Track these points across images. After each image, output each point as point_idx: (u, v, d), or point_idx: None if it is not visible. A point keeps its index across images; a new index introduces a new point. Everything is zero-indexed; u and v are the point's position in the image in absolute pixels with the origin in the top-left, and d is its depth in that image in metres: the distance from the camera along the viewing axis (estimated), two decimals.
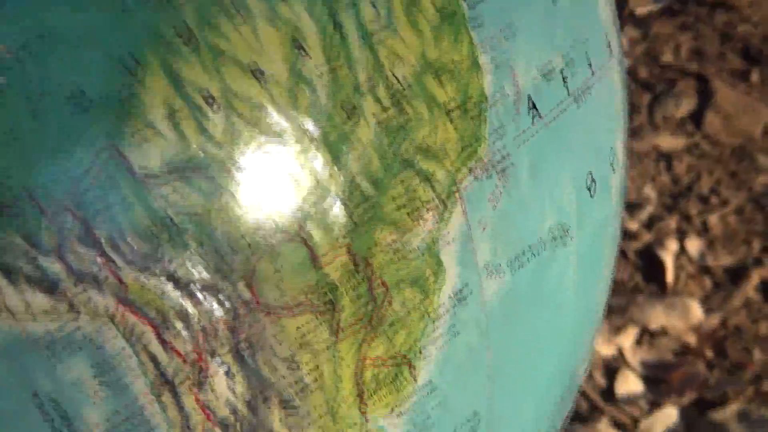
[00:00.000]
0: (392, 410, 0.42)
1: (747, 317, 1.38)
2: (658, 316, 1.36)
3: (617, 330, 1.35)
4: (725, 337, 1.36)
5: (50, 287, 0.36)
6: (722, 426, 1.30)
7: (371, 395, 0.41)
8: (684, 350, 1.35)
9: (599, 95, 0.50)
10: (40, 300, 0.36)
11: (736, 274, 1.42)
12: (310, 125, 0.38)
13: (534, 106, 0.45)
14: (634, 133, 1.54)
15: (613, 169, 0.52)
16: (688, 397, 1.32)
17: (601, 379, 1.31)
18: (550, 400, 0.53)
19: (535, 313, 0.47)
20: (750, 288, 1.40)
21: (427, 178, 0.41)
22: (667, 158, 1.52)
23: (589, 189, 0.50)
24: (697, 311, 1.37)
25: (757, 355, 1.36)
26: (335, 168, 0.38)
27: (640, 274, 1.39)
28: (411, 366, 0.42)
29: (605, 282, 0.56)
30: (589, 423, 1.28)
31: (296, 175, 0.37)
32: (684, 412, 1.30)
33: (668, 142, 1.53)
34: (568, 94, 0.47)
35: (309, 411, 0.40)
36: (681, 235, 1.42)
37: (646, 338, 1.35)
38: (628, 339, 1.34)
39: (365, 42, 0.39)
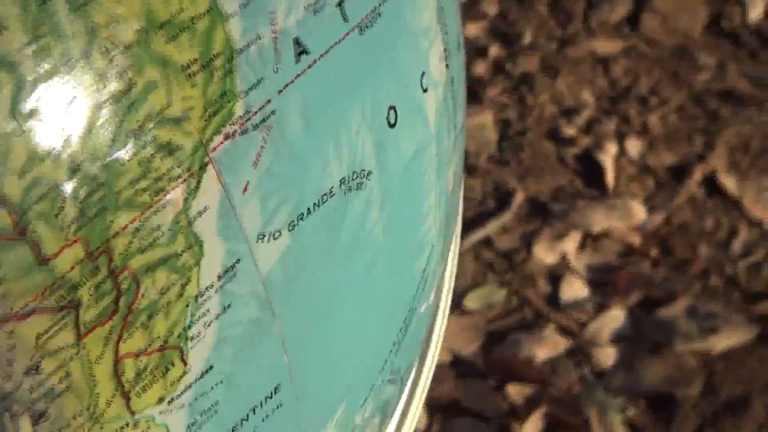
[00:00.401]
0: (163, 400, 0.40)
1: (692, 213, 1.36)
2: (600, 220, 1.35)
3: (559, 236, 1.33)
4: (670, 235, 1.35)
5: None
6: (671, 323, 1.29)
7: (135, 390, 0.39)
8: (628, 251, 1.34)
9: (395, 17, 0.46)
10: None
11: (679, 172, 1.40)
12: None
13: (300, 46, 0.42)
14: (569, 40, 1.51)
15: (425, 90, 0.48)
16: (635, 298, 1.31)
17: (545, 287, 1.30)
18: (380, 347, 0.50)
19: (332, 270, 0.45)
20: (693, 184, 1.38)
21: (169, 151, 0.38)
22: (604, 62, 1.49)
23: (390, 123, 0.46)
24: (639, 211, 1.35)
25: (703, 250, 1.35)
26: (54, 156, 0.36)
27: (581, 180, 1.37)
28: (181, 352, 0.40)
29: (442, 209, 0.52)
30: (535, 331, 1.28)
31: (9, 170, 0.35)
32: (631, 313, 1.29)
33: (605, 46, 1.50)
34: (350, 24, 0.44)
35: (63, 417, 0.38)
36: (620, 138, 1.40)
37: (590, 242, 1.34)
38: (571, 244, 1.33)
39: (76, 10, 0.36)
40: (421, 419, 1.19)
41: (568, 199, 1.36)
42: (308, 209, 0.42)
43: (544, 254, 1.32)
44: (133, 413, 0.40)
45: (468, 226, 1.32)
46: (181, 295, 0.40)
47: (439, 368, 1.24)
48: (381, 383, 0.51)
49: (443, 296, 0.65)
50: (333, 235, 0.44)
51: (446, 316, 0.65)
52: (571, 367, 1.26)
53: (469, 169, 1.34)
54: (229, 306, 0.41)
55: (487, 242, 1.32)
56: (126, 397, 0.39)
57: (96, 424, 0.39)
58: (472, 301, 1.28)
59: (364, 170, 0.45)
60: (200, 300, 0.40)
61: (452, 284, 0.65)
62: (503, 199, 1.36)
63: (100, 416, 0.39)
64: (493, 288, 1.29)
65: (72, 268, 0.37)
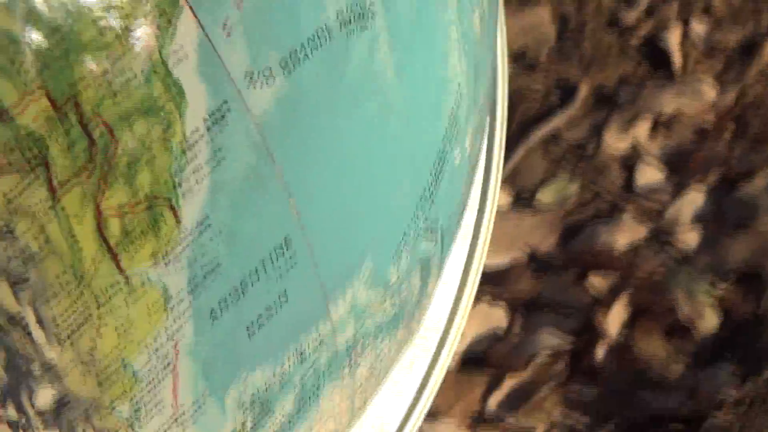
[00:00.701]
0: (156, 256, 0.37)
1: (764, 89, 1.31)
2: (670, 102, 1.30)
3: (629, 123, 1.29)
4: (743, 112, 1.29)
5: None
6: (752, 199, 1.24)
7: (124, 247, 0.36)
8: (702, 132, 1.29)
9: None
10: None
11: (748, 49, 1.34)
12: None
13: None
14: None
15: None
16: (713, 178, 1.26)
17: (619, 175, 1.26)
18: (406, 193, 0.46)
19: (338, 114, 0.41)
20: (764, 59, 1.32)
21: None
22: None
23: None
24: (710, 91, 1.30)
25: None
26: (4, 4, 0.33)
27: (646, 66, 1.32)
28: (170, 205, 0.37)
29: (469, 54, 0.48)
30: (612, 220, 1.23)
31: None
32: (710, 194, 1.25)
33: None
34: None
35: (46, 281, 0.35)
36: (684, 20, 1.34)
37: (661, 126, 1.29)
38: (642, 130, 1.28)
39: None
40: (501, 317, 1.17)
41: (634, 86, 1.31)
42: (303, 47, 0.39)
43: (615, 142, 1.28)
44: (123, 272, 0.37)
45: (533, 122, 1.27)
46: (164, 143, 0.37)
47: (517, 266, 1.21)
48: (415, 235, 0.47)
49: (494, 160, 0.61)
50: (335, 78, 0.40)
51: (499, 175, 0.61)
52: (653, 252, 1.22)
53: (530, 67, 1.30)
54: (219, 151, 0.38)
55: (556, 136, 1.28)
56: (114, 256, 0.36)
57: (84, 285, 0.36)
58: (545, 196, 1.24)
59: (365, 10, 0.42)
60: (187, 147, 0.37)
61: (502, 147, 0.61)
62: (568, 92, 1.31)
63: (87, 278, 0.36)
64: (565, 181, 1.25)
65: (35, 120, 0.34)
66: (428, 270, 0.51)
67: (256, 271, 0.41)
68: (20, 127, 0.34)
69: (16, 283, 0.36)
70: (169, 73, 0.36)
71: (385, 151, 0.44)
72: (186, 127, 0.37)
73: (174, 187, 0.37)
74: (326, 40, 0.40)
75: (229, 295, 0.41)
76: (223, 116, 0.38)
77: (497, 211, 0.65)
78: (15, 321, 0.36)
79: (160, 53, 0.36)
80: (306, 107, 0.40)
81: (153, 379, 0.40)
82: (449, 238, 0.53)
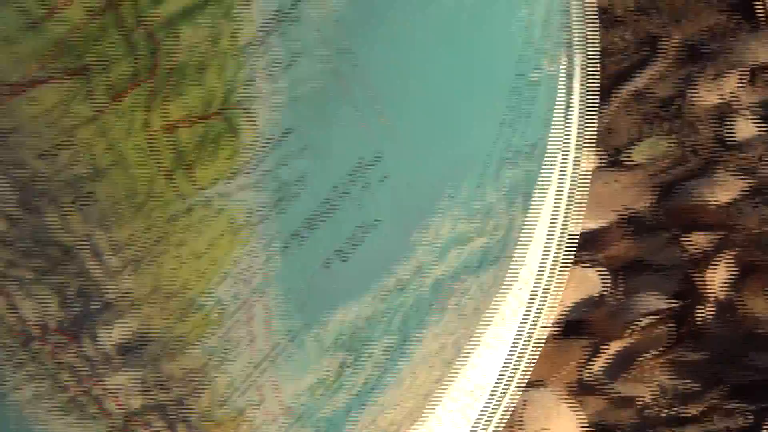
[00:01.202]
0: (234, 171, 0.33)
1: None
2: (761, 53, 1.23)
3: (720, 76, 1.22)
4: None
5: None
6: None
7: (196, 159, 0.32)
8: None
9: None
10: None
11: None
12: None
13: None
14: None
15: None
16: None
17: (712, 129, 1.20)
18: (491, 113, 0.41)
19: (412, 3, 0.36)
20: None
21: None
22: None
23: None
24: None
25: None
26: None
27: (732, 17, 1.25)
28: (246, 113, 0.32)
29: None
30: (708, 176, 1.17)
31: None
32: None
33: None
34: None
35: (113, 197, 0.31)
36: None
37: (754, 77, 1.22)
38: (733, 82, 1.22)
39: None
40: (599, 282, 1.11)
41: (722, 38, 1.24)
42: None
43: (707, 96, 1.21)
44: (199, 188, 0.32)
45: (620, 80, 1.22)
46: (228, 46, 0.32)
47: (612, 229, 1.15)
48: (500, 161, 0.42)
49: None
50: None
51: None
52: (753, 208, 1.15)
53: (612, 23, 1.24)
54: (290, 53, 0.33)
55: (644, 93, 1.22)
56: (188, 170, 0.31)
57: (155, 205, 0.31)
58: (637, 155, 1.18)
59: None
60: (254, 49, 0.32)
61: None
62: (653, 47, 1.25)
63: (159, 195, 0.31)
64: (657, 138, 1.19)
65: (80, 27, 0.29)
66: (527, 197, 0.46)
67: (345, 189, 0.36)
68: (57, 33, 0.30)
69: (83, 204, 0.32)
70: None
71: (460, 58, 0.39)
72: (251, 25, 0.33)
73: (248, 92, 0.33)
74: None
75: (318, 217, 0.36)
76: (290, 11, 0.33)
77: (589, 173, 0.60)
78: (83, 246, 0.32)
79: None
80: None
81: (239, 310, 0.36)
82: (536, 166, 0.48)
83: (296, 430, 0.39)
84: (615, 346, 1.06)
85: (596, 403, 1.01)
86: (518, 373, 0.59)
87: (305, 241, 0.36)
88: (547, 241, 0.56)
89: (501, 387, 0.57)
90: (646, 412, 1.03)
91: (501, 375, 0.57)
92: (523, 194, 0.45)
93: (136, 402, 0.35)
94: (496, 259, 0.45)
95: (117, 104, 0.31)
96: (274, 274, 0.36)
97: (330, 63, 0.34)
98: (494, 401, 0.56)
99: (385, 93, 0.36)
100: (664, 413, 1.02)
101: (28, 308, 0.32)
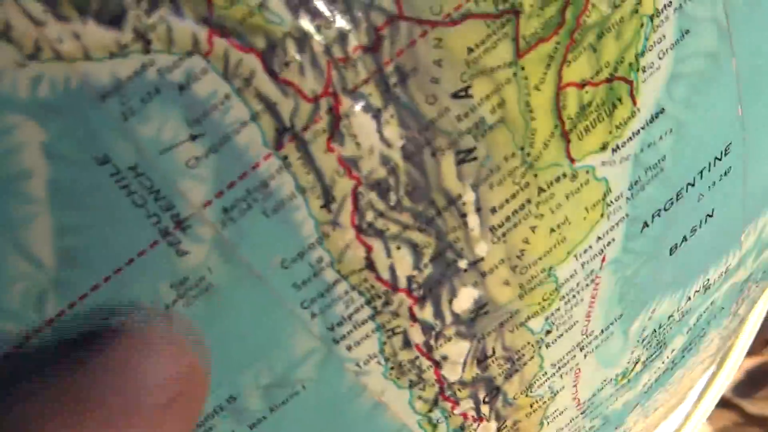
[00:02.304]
0: (606, 147, 0.29)
1: None
2: None
3: None
4: None
5: (110, 15, 0.24)
6: None
7: (577, 130, 0.29)
8: None
9: None
10: (93, 32, 0.24)
11: None
12: None
13: None
14: None
15: None
16: None
17: None
18: None
19: None
20: None
21: None
22: None
23: None
24: None
25: None
26: None
27: None
28: (630, 85, 0.29)
29: None
30: None
31: None
32: None
33: None
34: None
35: (493, 157, 0.27)
36: None
37: None
38: None
39: None
40: None
41: None
42: None
43: None
44: (572, 161, 0.29)
45: None
46: (635, 11, 0.29)
47: None
48: None
49: None
50: None
51: None
52: None
53: None
54: (687, 33, 0.30)
55: None
56: (566, 138, 0.28)
57: (530, 170, 0.28)
58: None
59: None
60: (657, 20, 0.29)
61: None
62: None
63: (535, 160, 0.28)
64: None
65: None
66: None
67: (694, 180, 0.33)
68: None
69: (463, 159, 0.28)
70: None
71: None
72: None
73: (637, 65, 0.29)
74: None
75: (665, 205, 0.32)
76: None
77: None
78: (453, 204, 0.29)
79: None
80: None
81: (573, 294, 0.32)
82: None
83: (578, 424, 0.36)
84: (749, 362, 1.02)
85: (724, 418, 0.97)
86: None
87: (647, 228, 0.32)
88: None
89: None
90: None
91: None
92: None
93: (454, 375, 0.31)
94: None
95: (537, 51, 0.27)
96: (611, 259, 0.32)
97: (711, 44, 0.30)
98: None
99: (750, 81, 0.32)
100: None
101: (383, 265, 0.29)
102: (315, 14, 0.25)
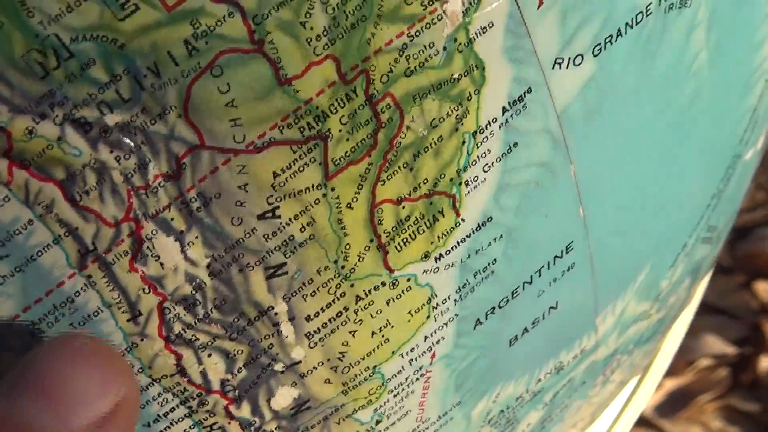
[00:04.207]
0: (428, 256, 0.29)
1: None
2: None
3: None
4: None
5: None
6: None
7: (395, 243, 0.28)
8: None
9: None
10: None
11: None
12: None
13: None
14: None
15: None
16: None
17: None
18: (697, 202, 0.37)
19: (643, 106, 0.32)
20: None
21: None
22: None
23: None
24: None
25: None
26: None
27: None
28: (452, 199, 0.28)
29: None
30: None
31: None
32: None
33: None
34: None
35: (305, 272, 0.27)
36: None
37: None
38: None
39: None
40: None
41: None
42: (618, 30, 0.30)
43: None
44: (391, 270, 0.28)
45: None
46: (456, 129, 0.28)
47: None
48: (694, 242, 0.37)
49: None
50: (647, 62, 0.32)
51: None
52: None
53: None
54: (515, 146, 0.29)
55: None
56: (383, 250, 0.28)
57: (345, 281, 0.28)
58: None
59: None
60: (480, 137, 0.28)
61: None
62: None
63: (350, 272, 0.28)
64: None
65: (320, 92, 0.27)
66: (698, 273, 0.41)
67: (531, 278, 0.32)
68: (301, 96, 0.26)
69: (272, 274, 0.28)
70: (471, 49, 0.28)
71: (683, 151, 0.34)
72: (482, 113, 0.28)
73: (459, 180, 0.29)
74: (643, 15, 0.31)
75: (498, 303, 0.32)
76: (524, 103, 0.29)
77: None
78: (265, 314, 0.28)
79: (465, 25, 0.27)
80: (610, 94, 0.31)
81: (402, 388, 0.32)
82: (722, 237, 0.43)
83: None
84: (670, 383, 1.01)
85: None
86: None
87: (481, 327, 0.32)
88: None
89: None
90: None
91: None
92: (692, 275, 0.41)
93: None
94: (652, 336, 0.41)
95: (348, 173, 0.27)
96: (442, 355, 0.32)
97: (544, 155, 0.30)
98: None
99: (590, 185, 0.31)
100: None
101: (195, 370, 0.28)
102: (114, 146, 0.25)
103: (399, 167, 0.28)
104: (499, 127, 0.29)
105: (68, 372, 0.24)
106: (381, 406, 0.32)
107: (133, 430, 0.26)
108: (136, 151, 0.25)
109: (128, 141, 0.25)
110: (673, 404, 0.99)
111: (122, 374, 0.25)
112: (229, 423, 0.30)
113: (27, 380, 0.24)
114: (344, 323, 0.29)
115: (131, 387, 0.25)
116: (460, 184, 0.29)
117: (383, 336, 0.30)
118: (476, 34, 0.27)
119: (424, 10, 0.27)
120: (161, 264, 0.26)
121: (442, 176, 0.29)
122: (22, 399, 0.24)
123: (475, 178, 0.29)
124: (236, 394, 0.29)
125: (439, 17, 0.27)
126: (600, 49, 0.30)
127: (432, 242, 0.29)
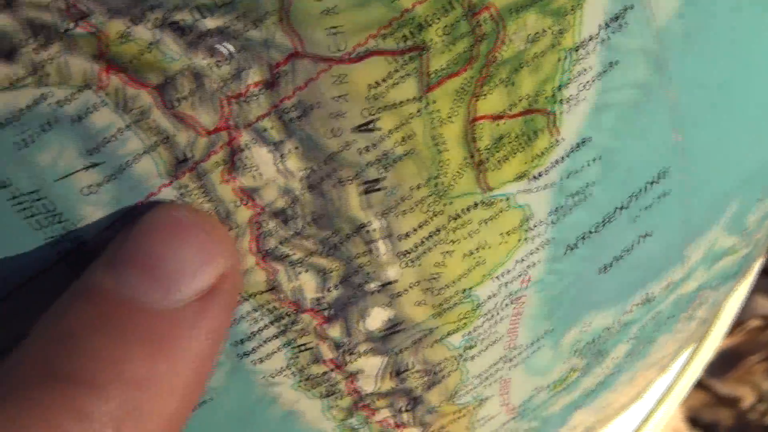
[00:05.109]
0: (524, 176, 0.27)
1: None
2: None
3: None
4: None
5: (4, 51, 0.23)
6: None
7: (492, 160, 0.27)
8: None
9: None
10: None
11: None
12: None
13: None
14: None
15: None
16: None
17: None
18: None
19: (745, 24, 0.30)
20: None
21: None
22: None
23: None
24: None
25: None
26: None
27: None
28: (550, 117, 0.27)
29: None
30: None
31: None
32: None
33: None
34: None
35: (401, 187, 0.26)
36: None
37: None
38: None
39: None
40: None
41: None
42: None
43: None
44: (486, 189, 0.27)
45: None
46: (554, 45, 0.27)
47: None
48: None
49: None
50: None
51: None
52: None
53: None
54: (614, 63, 0.27)
55: None
56: (480, 168, 0.26)
57: (440, 199, 0.27)
58: None
59: None
60: (579, 54, 0.27)
61: None
62: None
63: (446, 190, 0.26)
64: None
65: (419, 1, 0.25)
66: None
67: (626, 203, 0.31)
68: (399, 6, 0.24)
69: (367, 189, 0.26)
70: None
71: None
72: (582, 29, 0.27)
73: (557, 97, 0.27)
74: None
75: (592, 228, 0.30)
76: (624, 20, 0.27)
77: None
78: (359, 231, 0.27)
79: None
80: (713, 11, 0.29)
81: (494, 312, 0.31)
82: None
83: (512, 426, 0.35)
84: (722, 344, 0.98)
85: (696, 398, 0.94)
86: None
87: (573, 252, 0.30)
88: None
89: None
90: (747, 415, 0.95)
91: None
92: None
93: (369, 387, 0.30)
94: (736, 273, 0.39)
95: (445, 86, 0.26)
96: (535, 279, 0.30)
97: (642, 74, 0.28)
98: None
99: (687, 109, 0.30)
100: (765, 419, 0.95)
101: (287, 287, 0.27)
102: (210, 51, 0.24)
103: (497, 82, 0.27)
104: (599, 44, 0.27)
105: (170, 243, 0.23)
106: (472, 331, 0.31)
107: (236, 305, 0.25)
108: (232, 57, 0.24)
109: (225, 47, 0.24)
110: (723, 365, 0.96)
111: (224, 243, 0.24)
112: (321, 343, 0.29)
113: (129, 254, 0.23)
114: (439, 243, 0.28)
115: (234, 259, 0.24)
116: (559, 101, 0.28)
117: (478, 257, 0.29)
118: None
119: None
120: (256, 175, 0.25)
121: (541, 93, 0.27)
122: (126, 274, 0.23)
123: (574, 97, 0.28)
124: (329, 313, 0.28)
125: None
126: None
127: (528, 162, 0.28)
